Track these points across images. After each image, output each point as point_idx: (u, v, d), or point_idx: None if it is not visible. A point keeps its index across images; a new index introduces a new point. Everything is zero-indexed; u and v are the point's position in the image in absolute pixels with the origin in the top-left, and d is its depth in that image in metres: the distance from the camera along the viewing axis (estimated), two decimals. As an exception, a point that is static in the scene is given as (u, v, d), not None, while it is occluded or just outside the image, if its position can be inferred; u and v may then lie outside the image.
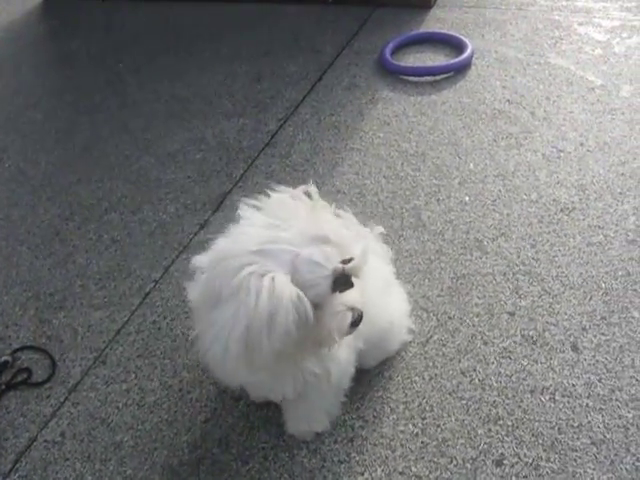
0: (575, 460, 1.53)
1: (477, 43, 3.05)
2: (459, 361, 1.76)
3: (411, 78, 2.92)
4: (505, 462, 1.54)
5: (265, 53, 3.26)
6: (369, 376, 1.73)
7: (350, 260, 1.21)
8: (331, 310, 1.23)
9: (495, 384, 1.70)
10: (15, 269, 2.23)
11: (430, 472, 1.54)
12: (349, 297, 1.25)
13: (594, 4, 3.28)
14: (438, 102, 2.74)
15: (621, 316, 1.82)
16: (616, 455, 1.53)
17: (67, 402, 1.80)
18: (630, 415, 1.60)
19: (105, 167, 2.66)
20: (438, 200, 2.27)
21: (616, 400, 1.63)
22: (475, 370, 1.74)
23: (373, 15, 3.44)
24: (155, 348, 1.91)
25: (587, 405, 1.63)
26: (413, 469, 1.55)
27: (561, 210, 2.16)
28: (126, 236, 2.30)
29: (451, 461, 1.55)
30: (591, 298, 1.88)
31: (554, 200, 2.20)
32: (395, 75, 2.94)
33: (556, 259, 2.00)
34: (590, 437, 1.56)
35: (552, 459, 1.53)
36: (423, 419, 1.64)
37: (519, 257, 2.02)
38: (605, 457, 1.52)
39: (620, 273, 1.94)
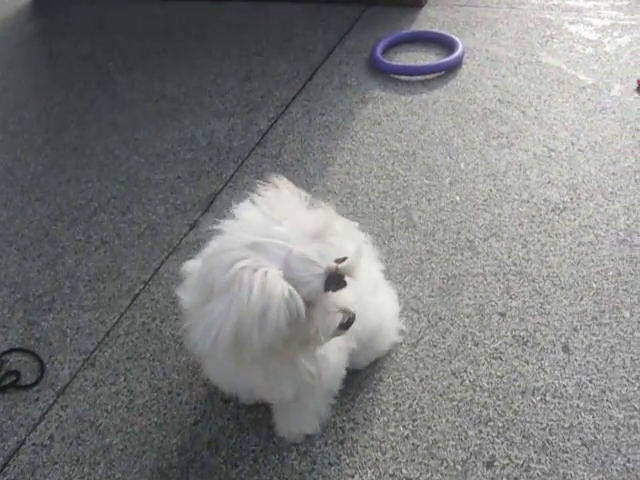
0: (566, 461, 1.52)
1: (468, 42, 3.04)
2: (450, 362, 1.76)
3: (402, 77, 2.91)
4: (496, 464, 1.53)
5: (256, 52, 3.25)
6: (359, 378, 1.73)
7: (344, 259, 1.21)
8: (322, 310, 1.22)
9: (486, 385, 1.69)
10: (3, 270, 2.21)
11: (421, 474, 1.53)
12: (342, 298, 1.24)
13: (585, 3, 3.28)
14: (429, 101, 2.74)
15: (612, 316, 1.82)
16: (607, 456, 1.52)
17: (56, 405, 1.79)
18: (621, 416, 1.59)
19: (95, 167, 2.65)
20: (429, 200, 2.26)
21: (607, 401, 1.63)
22: (466, 371, 1.73)
23: (364, 14, 3.43)
24: (144, 350, 1.89)
25: (578, 406, 1.62)
26: (404, 471, 1.54)
27: (552, 210, 2.16)
28: (115, 237, 2.29)
29: (442, 463, 1.55)
30: (582, 298, 1.88)
31: (545, 200, 2.20)
32: (386, 74, 2.94)
33: (547, 259, 2.00)
34: (581, 438, 1.56)
35: (543, 460, 1.53)
36: (414, 421, 1.64)
37: (510, 257, 2.02)
38: (596, 458, 1.52)
39: (611, 273, 1.94)
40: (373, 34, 3.20)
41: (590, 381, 1.67)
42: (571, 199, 2.19)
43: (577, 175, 2.28)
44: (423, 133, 2.57)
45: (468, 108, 2.67)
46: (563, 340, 1.77)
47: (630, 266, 1.95)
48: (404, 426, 1.63)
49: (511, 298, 1.90)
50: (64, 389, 1.82)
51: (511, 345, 1.78)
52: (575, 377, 1.69)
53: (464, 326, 1.84)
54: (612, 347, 1.75)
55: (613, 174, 2.26)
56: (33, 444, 1.70)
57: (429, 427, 1.62)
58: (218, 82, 3.07)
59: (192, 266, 1.42)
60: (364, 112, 2.73)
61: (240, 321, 1.14)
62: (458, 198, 2.25)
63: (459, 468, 1.53)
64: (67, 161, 2.70)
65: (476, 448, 1.57)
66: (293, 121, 2.73)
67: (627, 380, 1.67)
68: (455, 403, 1.66)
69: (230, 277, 1.15)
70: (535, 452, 1.55)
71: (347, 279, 1.23)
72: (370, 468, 1.56)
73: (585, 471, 1.50)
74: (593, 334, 1.78)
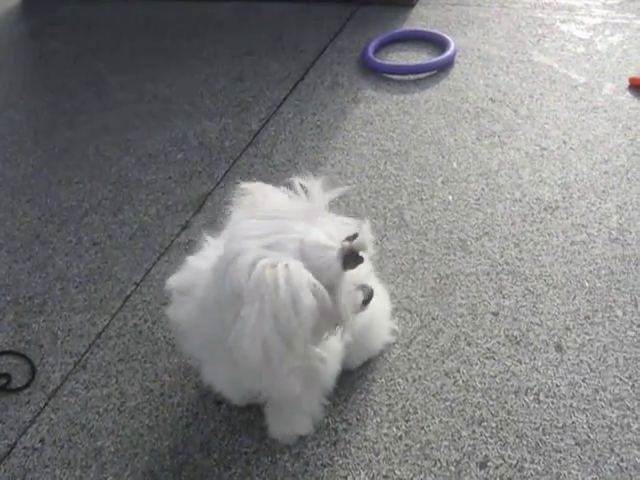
0: (559, 461, 1.52)
1: (460, 41, 3.04)
2: (443, 362, 1.75)
3: (394, 76, 2.91)
4: (489, 464, 1.53)
5: (247, 52, 3.24)
6: (352, 378, 1.72)
7: (355, 236, 1.21)
8: (345, 290, 1.23)
9: (479, 385, 1.69)
10: (-6, 273, 2.20)
11: (414, 475, 1.53)
12: (357, 276, 1.25)
13: (577, 2, 3.28)
14: (421, 101, 2.73)
15: (605, 315, 1.82)
16: (600, 456, 1.52)
17: (47, 408, 1.77)
18: (614, 415, 1.59)
19: (85, 168, 2.63)
20: (421, 199, 2.25)
21: (600, 400, 1.63)
22: (459, 371, 1.73)
23: (356, 13, 3.43)
24: (136, 352, 1.88)
25: (571, 405, 1.62)
26: (397, 472, 1.54)
27: (544, 209, 2.16)
28: (106, 238, 2.27)
29: (435, 464, 1.54)
30: (575, 297, 1.87)
31: (537, 199, 2.20)
32: (378, 74, 2.93)
33: (540, 258, 2.00)
34: (574, 438, 1.56)
35: (536, 460, 1.52)
36: (407, 421, 1.63)
37: (503, 256, 2.02)
38: (589, 458, 1.52)
39: (603, 272, 1.93)
40: (365, 33, 3.20)
41: (583, 380, 1.67)
42: (563, 198, 2.19)
43: (569, 174, 2.28)
44: (415, 132, 2.56)
45: (460, 107, 2.66)
46: (556, 339, 1.77)
47: (622, 265, 1.95)
48: (397, 427, 1.62)
49: (504, 297, 1.90)
50: (55, 392, 1.81)
51: (504, 345, 1.78)
52: (568, 376, 1.68)
53: (457, 326, 1.84)
54: (605, 346, 1.74)
55: (605, 173, 2.26)
56: (24, 447, 1.69)
57: (422, 428, 1.62)
58: (210, 82, 3.06)
59: (176, 280, 1.41)
60: (356, 112, 2.72)
61: (276, 316, 1.15)
62: (450, 197, 2.25)
63: (452, 469, 1.53)
64: (57, 162, 2.69)
65: (469, 448, 1.56)
66: (285, 121, 2.72)
67: (620, 379, 1.67)
68: (448, 403, 1.66)
69: (255, 279, 1.15)
70: (528, 452, 1.54)
71: (362, 254, 1.24)
72: (363, 469, 1.55)
73: (579, 471, 1.50)
74: (586, 333, 1.78)
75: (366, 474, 1.54)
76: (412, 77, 2.88)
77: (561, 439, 1.56)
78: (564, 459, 1.52)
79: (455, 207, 2.21)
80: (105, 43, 3.54)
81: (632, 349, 1.73)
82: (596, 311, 1.83)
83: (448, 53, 2.90)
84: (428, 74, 2.89)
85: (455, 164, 2.39)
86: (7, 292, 2.12)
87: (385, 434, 1.61)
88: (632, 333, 1.77)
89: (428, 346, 1.79)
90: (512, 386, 1.68)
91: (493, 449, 1.56)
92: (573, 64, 2.83)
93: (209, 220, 2.26)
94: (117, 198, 2.45)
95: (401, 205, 2.24)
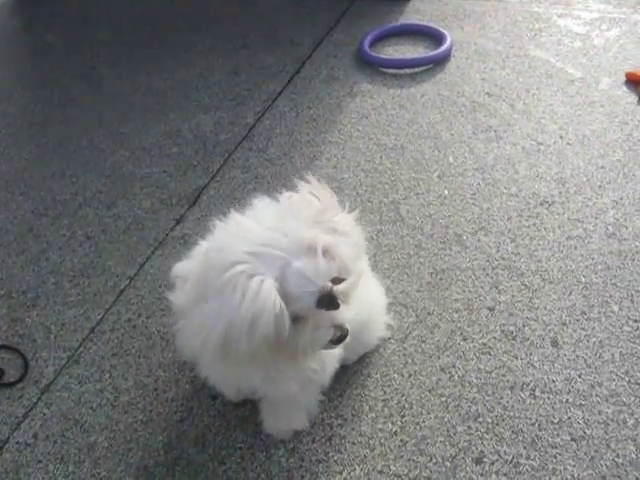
0: (555, 457, 1.51)
1: (456, 35, 3.02)
2: (438, 357, 1.75)
3: (390, 70, 2.89)
4: (485, 460, 1.52)
5: (242, 45, 3.22)
6: (348, 374, 1.71)
7: (341, 281, 1.19)
8: (314, 324, 1.21)
9: (475, 381, 1.68)
10: (-13, 266, 2.19)
11: (409, 471, 1.52)
12: (338, 314, 1.22)
13: (573, -4, 3.27)
14: (417, 95, 2.72)
15: (601, 310, 1.81)
16: (596, 451, 1.52)
17: (40, 403, 1.76)
18: (610, 411, 1.59)
19: (79, 161, 2.61)
20: (417, 194, 2.24)
21: (596, 396, 1.62)
22: (454, 366, 1.72)
23: (352, 7, 3.40)
24: (130, 347, 1.87)
25: (567, 401, 1.62)
26: (392, 468, 1.53)
27: (541, 204, 2.15)
28: (100, 232, 2.26)
29: (430, 459, 1.54)
30: (571, 292, 1.87)
31: (534, 194, 2.19)
32: (374, 67, 2.92)
33: (536, 253, 1.99)
34: (570, 433, 1.55)
35: (532, 456, 1.52)
36: (402, 417, 1.62)
37: (499, 251, 2.01)
38: (585, 453, 1.51)
39: (600, 267, 1.93)
40: (361, 27, 3.18)
41: (579, 376, 1.67)
42: (560, 193, 2.18)
43: (566, 169, 2.27)
44: (411, 126, 2.55)
45: (456, 101, 2.65)
46: (552, 335, 1.77)
47: (619, 260, 1.94)
48: (392, 422, 1.62)
49: (500, 293, 1.89)
50: (48, 386, 1.80)
51: (500, 340, 1.77)
52: (564, 372, 1.68)
53: (453, 321, 1.83)
54: (601, 342, 1.74)
55: (602, 168, 2.26)
56: (17, 442, 1.68)
57: (418, 423, 1.61)
58: (205, 75, 3.04)
59: (181, 268, 1.40)
60: (352, 105, 2.71)
61: (229, 327, 1.14)
62: (446, 192, 2.24)
63: (448, 464, 1.52)
64: (52, 155, 2.67)
65: (465, 444, 1.56)
66: (280, 115, 2.71)
67: (616, 375, 1.66)
68: (444, 399, 1.65)
69: (226, 280, 1.14)
70: (524, 448, 1.54)
71: (347, 298, 1.22)
72: (358, 465, 1.54)
73: (574, 466, 1.49)
74: (582, 329, 1.77)
75: (361, 469, 1.53)
76: (408, 71, 2.87)
77: (557, 435, 1.55)
78: (560, 455, 1.52)
79: (451, 202, 2.20)
80: (100, 36, 3.51)
81: (628, 344, 1.72)
82: (592, 306, 1.83)
83: (444, 47, 2.89)
84: (424, 68, 2.87)
85: (451, 158, 2.38)
86: (0, 286, 2.11)
87: (380, 429, 1.61)
88: (628, 328, 1.76)
89: (424, 341, 1.79)
90: (508, 381, 1.67)
91: (489, 445, 1.55)
92: (570, 59, 2.82)
93: (204, 214, 2.24)
94: (111, 192, 2.43)
95: (397, 199, 2.23)
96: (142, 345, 1.87)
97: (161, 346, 1.85)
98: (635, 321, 1.78)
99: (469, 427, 1.59)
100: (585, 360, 1.70)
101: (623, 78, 2.65)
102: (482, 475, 1.50)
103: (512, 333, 1.78)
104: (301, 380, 1.40)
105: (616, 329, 1.76)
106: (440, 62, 2.88)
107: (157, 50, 3.30)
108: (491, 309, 1.85)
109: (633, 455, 1.50)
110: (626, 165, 2.25)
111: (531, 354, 1.73)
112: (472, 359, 1.73)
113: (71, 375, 1.82)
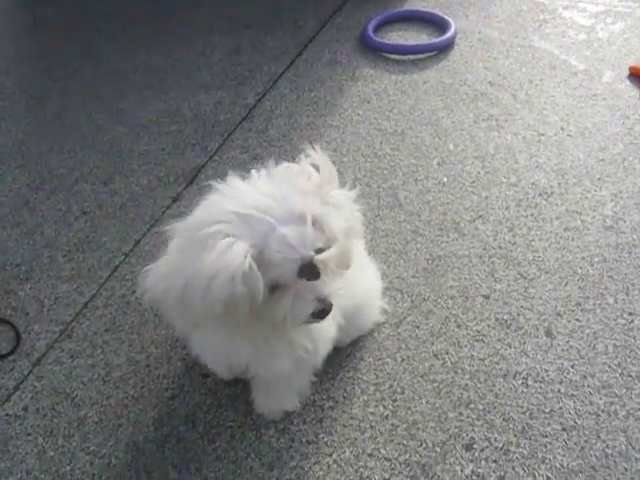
0: (545, 446, 1.52)
1: (461, 23, 3.01)
2: (432, 343, 1.74)
3: (393, 56, 2.87)
4: (475, 446, 1.52)
5: (245, 26, 3.20)
6: (340, 356, 1.71)
7: (323, 251, 1.17)
8: (295, 295, 1.18)
9: (467, 367, 1.68)
10: (-19, 238, 2.17)
11: (399, 455, 1.52)
12: (324, 286, 1.19)
13: (579, -12, 3.25)
14: (419, 81, 2.70)
15: (596, 302, 1.81)
16: (586, 442, 1.52)
17: (31, 375, 1.76)
18: (601, 402, 1.59)
19: (77, 136, 2.59)
20: (416, 180, 2.23)
21: (588, 387, 1.62)
22: (448, 353, 1.72)
23: (356, -9, 3.38)
24: (123, 322, 1.86)
25: (559, 391, 1.62)
26: (382, 451, 1.53)
27: (539, 194, 2.14)
28: (96, 207, 2.24)
29: (421, 444, 1.54)
30: (567, 283, 1.87)
31: (533, 184, 2.18)
32: (377, 52, 2.90)
33: (533, 243, 1.99)
34: (561, 423, 1.55)
35: (522, 444, 1.52)
36: (394, 401, 1.62)
37: (496, 240, 2.00)
38: (575, 443, 1.52)
39: (596, 259, 1.92)
40: (365, 12, 3.16)
41: (572, 366, 1.67)
42: (559, 184, 2.18)
43: (565, 160, 2.26)
44: (412, 113, 2.54)
45: (458, 89, 2.64)
46: (546, 325, 1.76)
47: (616, 253, 1.94)
48: (384, 406, 1.62)
49: (495, 281, 1.89)
50: (40, 360, 1.79)
51: (494, 328, 1.77)
52: (557, 362, 1.68)
53: (447, 308, 1.82)
54: (595, 333, 1.74)
55: (602, 160, 2.25)
56: (7, 415, 1.67)
57: (409, 408, 1.61)
58: (206, 54, 3.02)
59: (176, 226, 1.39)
60: (353, 90, 2.69)
61: (189, 281, 1.13)
62: (445, 179, 2.23)
63: (438, 450, 1.52)
64: (49, 129, 2.65)
65: (456, 430, 1.56)
66: (281, 96, 2.69)
67: (609, 366, 1.66)
68: (436, 385, 1.65)
69: (202, 235, 1.13)
70: (515, 436, 1.54)
71: (336, 271, 1.20)
72: (348, 447, 1.54)
73: (564, 456, 1.49)
74: (577, 319, 1.77)
75: (351, 452, 1.53)
76: (411, 57, 2.85)
77: (548, 424, 1.55)
78: (550, 444, 1.52)
79: (450, 189, 2.19)
80: (100, 11, 3.48)
81: (622, 337, 1.72)
82: (587, 298, 1.82)
83: (448, 35, 2.87)
84: (427, 55, 2.86)
85: (451, 146, 2.37)
86: (-6, 258, 2.10)
87: (371, 413, 1.60)
88: (622, 321, 1.76)
89: (418, 327, 1.78)
90: (501, 369, 1.67)
91: (479, 431, 1.55)
92: (574, 51, 2.80)
93: (201, 193, 2.22)
94: (108, 167, 2.42)
95: (395, 185, 2.22)
96: (135, 321, 1.86)
97: (154, 323, 1.84)
98: (630, 314, 1.77)
99: (460, 413, 1.59)
100: (578, 351, 1.70)
101: (626, 72, 2.64)
102: (472, 461, 1.50)
103: (506, 322, 1.78)
104: (293, 360, 1.38)
105: (610, 321, 1.76)
106: (443, 50, 2.87)
107: (158, 27, 3.28)
108: (486, 297, 1.84)
109: (623, 446, 1.50)
110: (626, 159, 2.25)
111: (525, 343, 1.73)
112: (465, 346, 1.73)
113: (63, 349, 1.81)
